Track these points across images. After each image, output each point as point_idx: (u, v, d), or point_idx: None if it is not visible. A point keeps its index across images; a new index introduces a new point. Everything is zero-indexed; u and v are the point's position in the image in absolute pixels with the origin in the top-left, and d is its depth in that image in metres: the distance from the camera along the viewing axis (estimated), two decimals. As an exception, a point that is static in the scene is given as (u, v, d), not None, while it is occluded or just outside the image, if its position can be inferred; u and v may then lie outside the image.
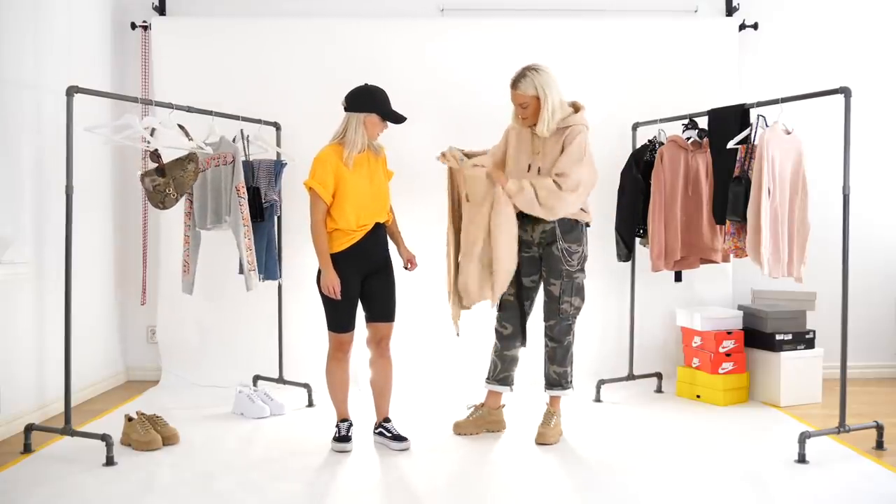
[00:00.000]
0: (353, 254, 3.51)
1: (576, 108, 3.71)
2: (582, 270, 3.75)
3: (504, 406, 3.94)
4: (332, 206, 3.48)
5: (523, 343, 3.88)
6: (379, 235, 3.60)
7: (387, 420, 3.67)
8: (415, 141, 4.63)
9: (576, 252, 3.70)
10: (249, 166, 4.32)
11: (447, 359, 4.90)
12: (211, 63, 4.91)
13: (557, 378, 3.77)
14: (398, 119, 3.54)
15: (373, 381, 3.67)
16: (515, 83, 3.67)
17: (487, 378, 3.92)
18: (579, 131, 3.61)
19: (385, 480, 3.20)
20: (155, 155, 3.95)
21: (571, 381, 3.82)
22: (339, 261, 3.50)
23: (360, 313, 3.65)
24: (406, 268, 3.77)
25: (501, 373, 3.88)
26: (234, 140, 4.27)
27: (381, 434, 3.65)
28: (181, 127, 3.99)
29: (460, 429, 3.84)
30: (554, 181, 3.55)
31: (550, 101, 3.60)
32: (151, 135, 3.94)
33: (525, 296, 3.83)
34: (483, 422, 3.86)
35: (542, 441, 3.67)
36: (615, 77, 5.02)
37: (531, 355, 5.11)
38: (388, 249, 3.67)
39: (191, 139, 3.98)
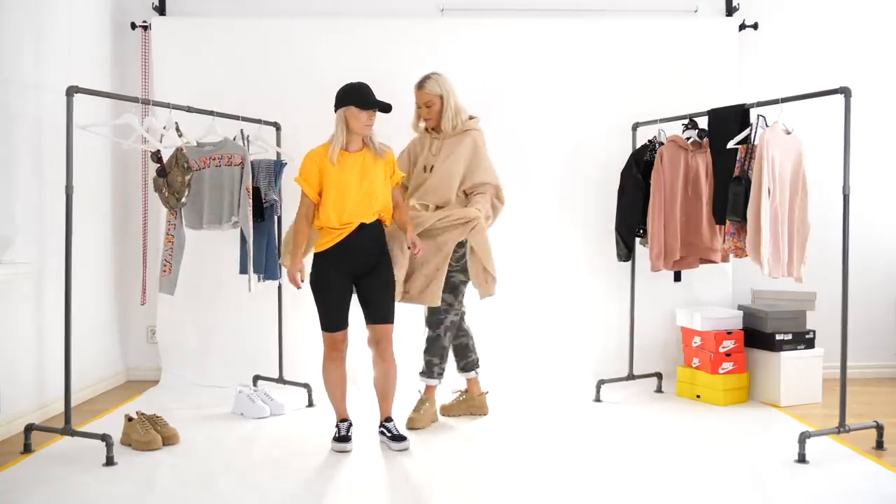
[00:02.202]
0: (337, 252, 3.51)
1: (471, 117, 4.09)
2: (461, 271, 3.94)
3: (487, 392, 4.25)
4: (320, 202, 3.55)
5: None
6: (366, 235, 3.54)
7: (388, 420, 3.67)
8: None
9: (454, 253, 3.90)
10: (249, 166, 4.31)
11: (452, 360, 4.90)
12: (211, 63, 4.91)
13: (426, 366, 4.02)
14: (373, 105, 3.49)
15: (374, 381, 3.68)
16: (422, 84, 4.01)
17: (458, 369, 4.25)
18: (479, 135, 4.04)
19: (385, 480, 3.20)
20: (156, 155, 3.96)
21: (438, 375, 4.02)
22: (325, 259, 3.51)
23: (358, 313, 3.66)
24: (409, 248, 3.66)
25: (460, 362, 4.19)
26: (234, 139, 4.28)
27: (382, 433, 3.65)
28: (175, 124, 4.00)
29: (446, 410, 4.15)
30: (480, 194, 3.98)
31: (452, 101, 3.99)
32: (160, 141, 3.96)
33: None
34: (466, 406, 4.18)
35: (410, 426, 3.88)
36: (615, 77, 5.02)
37: (526, 358, 5.11)
38: (382, 250, 3.61)
39: (181, 136, 3.98)
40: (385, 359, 3.62)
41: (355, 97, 3.49)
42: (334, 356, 3.59)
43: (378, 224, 3.62)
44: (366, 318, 3.63)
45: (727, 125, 4.08)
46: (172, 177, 3.91)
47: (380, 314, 3.59)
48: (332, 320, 3.54)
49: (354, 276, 3.56)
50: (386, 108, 3.52)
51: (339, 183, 3.49)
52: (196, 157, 4.14)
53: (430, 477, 3.24)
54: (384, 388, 3.66)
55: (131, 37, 5.03)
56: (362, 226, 3.53)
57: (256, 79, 4.91)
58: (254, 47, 4.93)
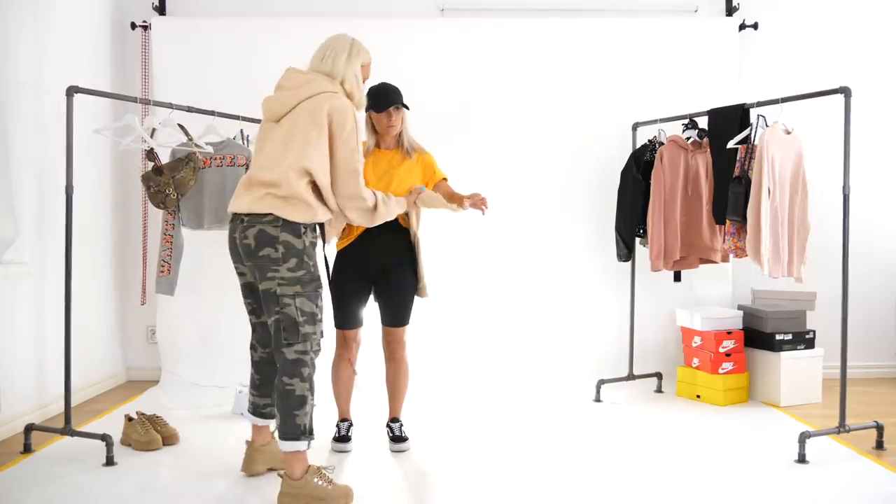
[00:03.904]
0: (357, 251, 3.50)
1: None
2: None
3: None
4: None
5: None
6: (381, 237, 3.48)
7: (394, 420, 3.67)
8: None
9: None
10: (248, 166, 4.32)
11: (452, 360, 4.91)
12: (211, 63, 4.91)
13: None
14: (385, 107, 3.48)
15: (385, 380, 3.68)
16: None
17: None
18: None
19: (384, 481, 3.20)
20: (152, 155, 3.97)
21: None
22: (345, 257, 3.51)
23: (372, 315, 3.66)
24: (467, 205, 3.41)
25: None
26: (234, 139, 4.28)
27: (387, 432, 3.67)
28: (181, 126, 4.00)
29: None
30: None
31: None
32: (151, 136, 3.95)
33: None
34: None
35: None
36: (615, 77, 5.02)
37: (526, 358, 5.10)
38: (400, 253, 3.53)
39: (190, 138, 3.99)
40: (395, 360, 3.62)
41: (372, 100, 3.50)
42: (342, 354, 3.59)
43: (399, 225, 3.51)
44: (381, 318, 3.62)
45: (727, 125, 4.08)
46: (184, 178, 3.90)
47: (391, 317, 3.56)
48: (339, 318, 3.53)
49: (373, 276, 3.52)
50: (401, 104, 3.50)
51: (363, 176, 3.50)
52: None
53: (429, 477, 3.24)
54: (393, 389, 3.66)
55: (131, 37, 5.03)
56: (376, 228, 3.39)
57: (256, 79, 4.86)
58: (254, 47, 4.93)
